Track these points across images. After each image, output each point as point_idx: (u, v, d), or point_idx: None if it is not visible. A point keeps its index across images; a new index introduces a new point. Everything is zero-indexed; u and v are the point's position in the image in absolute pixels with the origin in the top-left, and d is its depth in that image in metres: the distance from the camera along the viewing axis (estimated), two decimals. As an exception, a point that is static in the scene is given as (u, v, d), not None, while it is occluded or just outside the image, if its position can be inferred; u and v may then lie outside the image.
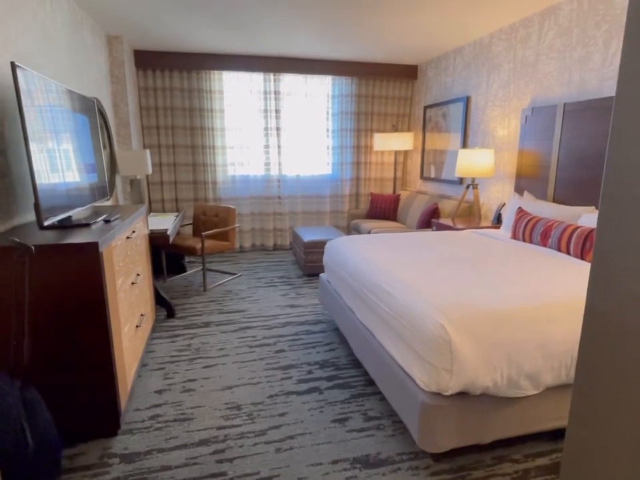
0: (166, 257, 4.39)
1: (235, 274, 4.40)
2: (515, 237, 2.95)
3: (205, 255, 3.82)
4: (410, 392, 1.69)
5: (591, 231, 2.34)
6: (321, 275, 3.21)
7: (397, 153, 5.58)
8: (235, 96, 5.04)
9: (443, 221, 3.92)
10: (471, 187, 3.87)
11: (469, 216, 4.21)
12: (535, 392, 1.62)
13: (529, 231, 2.79)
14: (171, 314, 3.26)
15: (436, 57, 4.90)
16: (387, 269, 2.22)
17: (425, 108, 5.16)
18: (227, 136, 5.08)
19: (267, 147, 5.23)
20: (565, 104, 3.08)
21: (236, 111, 5.07)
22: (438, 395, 1.59)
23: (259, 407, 2.12)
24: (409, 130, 5.63)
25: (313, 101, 5.28)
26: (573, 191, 3.06)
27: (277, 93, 5.11)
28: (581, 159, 2.97)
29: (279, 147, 5.24)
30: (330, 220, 5.67)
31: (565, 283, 1.89)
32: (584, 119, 2.93)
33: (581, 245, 2.35)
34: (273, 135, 5.19)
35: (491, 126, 4.01)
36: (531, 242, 2.79)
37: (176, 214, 3.94)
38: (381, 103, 5.45)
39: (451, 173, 4.68)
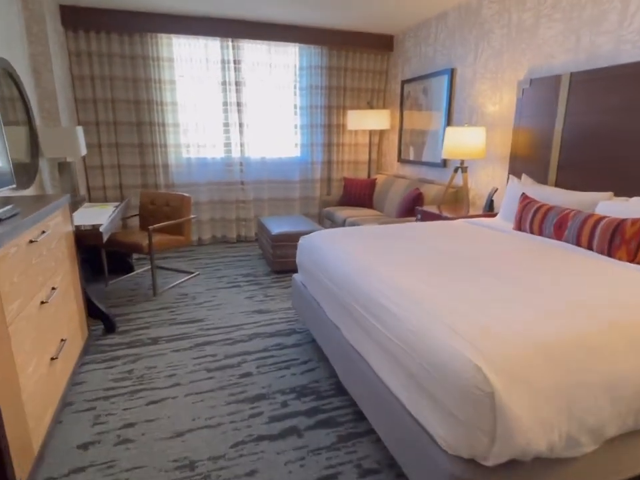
0: (108, 254, 3.72)
1: (191, 273, 3.81)
2: (519, 227, 2.54)
3: (153, 252, 3.20)
4: (426, 452, 1.23)
5: (621, 222, 1.95)
6: (295, 276, 2.70)
7: (371, 133, 5.09)
8: (188, 65, 4.34)
9: (427, 208, 3.48)
10: (459, 170, 3.45)
11: (455, 203, 3.80)
12: (594, 447, 1.19)
13: (539, 221, 2.38)
14: (110, 328, 2.66)
15: (415, 24, 4.40)
16: (381, 274, 1.74)
17: (403, 83, 4.67)
18: (179, 112, 4.39)
19: (226, 124, 4.59)
20: (571, 73, 2.67)
21: (189, 83, 4.38)
22: (471, 462, 1.13)
23: (219, 462, 1.60)
24: (384, 107, 5.14)
25: (278, 73, 4.67)
26: (580, 175, 2.68)
27: (237, 62, 4.45)
28: (592, 137, 2.59)
29: (240, 125, 4.61)
30: (300, 207, 5.13)
31: (619, 298, 1.47)
32: (595, 91, 2.53)
33: (608, 240, 1.96)
34: (234, 111, 4.55)
35: (479, 101, 3.58)
36: (540, 234, 2.39)
37: (117, 204, 3.29)
38: (354, 77, 4.91)
39: (433, 154, 4.25)
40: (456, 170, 3.44)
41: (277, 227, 3.85)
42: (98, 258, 3.62)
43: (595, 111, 2.55)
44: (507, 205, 2.90)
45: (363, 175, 5.26)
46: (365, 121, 4.61)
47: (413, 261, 1.92)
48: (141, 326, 2.75)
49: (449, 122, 3.97)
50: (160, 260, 4.19)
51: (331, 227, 4.66)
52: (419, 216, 3.52)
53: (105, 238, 2.48)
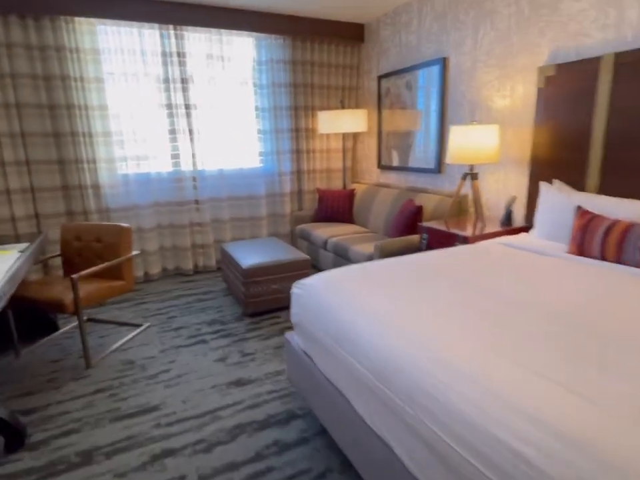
0: (20, 311, 2.75)
1: (138, 325, 2.92)
2: (580, 252, 1.96)
3: (81, 310, 2.31)
4: None
5: None
6: (290, 336, 1.95)
7: (344, 137, 4.43)
8: (119, 59, 3.45)
9: (433, 224, 2.86)
10: (468, 177, 2.87)
11: (460, 216, 3.22)
12: None
13: (616, 243, 1.81)
14: (14, 443, 1.75)
15: (391, 10, 3.80)
16: (460, 367, 1.05)
17: (380, 78, 4.06)
18: (110, 117, 3.48)
19: (173, 132, 3.73)
20: (616, 54, 2.15)
21: (122, 81, 3.49)
22: None
23: None
24: (357, 107, 4.50)
25: (233, 69, 3.88)
26: (633, 179, 2.16)
27: (181, 55, 3.62)
28: (648, 131, 2.07)
29: (190, 131, 3.77)
30: (268, 227, 4.36)
31: None
32: (653, 74, 2.02)
33: None
34: (181, 114, 3.70)
35: (483, 94, 3.02)
36: (619, 261, 1.81)
37: (25, 245, 2.36)
38: (322, 73, 4.23)
39: (424, 159, 3.65)
40: (464, 177, 2.84)
41: (247, 256, 3.06)
42: (3, 319, 2.64)
43: (654, 99, 2.03)
44: (545, 219, 2.33)
45: (337, 184, 4.58)
46: (339, 123, 3.94)
47: (486, 327, 1.24)
48: (67, 429, 1.86)
49: (442, 121, 3.39)
50: (94, 310, 3.25)
51: (309, 248, 3.93)
52: (425, 236, 2.89)
53: (2, 304, 1.60)
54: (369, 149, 4.41)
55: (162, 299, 3.40)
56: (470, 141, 2.69)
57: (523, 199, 2.84)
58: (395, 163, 4.02)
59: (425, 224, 2.91)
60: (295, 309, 1.82)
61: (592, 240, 1.89)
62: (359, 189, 4.25)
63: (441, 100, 3.36)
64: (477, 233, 2.61)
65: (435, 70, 3.39)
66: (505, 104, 2.87)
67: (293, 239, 4.32)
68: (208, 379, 2.23)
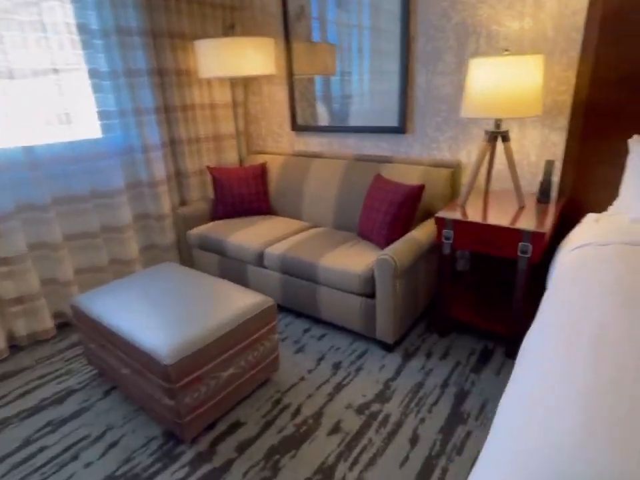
0: None
1: None
2: None
3: None
4: None
5: None
6: None
7: (232, 84, 2.95)
8: None
9: (453, 215, 1.89)
10: (498, 137, 1.93)
11: (454, 195, 2.32)
12: None
13: None
14: None
15: None
16: None
17: (285, -9, 2.68)
18: None
19: None
20: None
21: None
22: None
23: None
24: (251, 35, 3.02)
25: (17, -58, 1.92)
26: None
27: None
28: None
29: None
30: (138, 239, 2.66)
31: None
32: None
33: None
34: None
35: (482, 13, 2.07)
36: None
37: None
38: (190, -25, 2.58)
39: (372, 114, 2.56)
40: (492, 138, 1.91)
41: (154, 328, 1.52)
42: None
43: None
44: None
45: (231, 159, 3.11)
46: (232, 60, 2.46)
47: None
48: None
49: (407, 57, 2.33)
50: None
51: (221, 265, 2.51)
52: (450, 233, 1.88)
53: None
54: (271, 103, 3.04)
55: (-47, 447, 1.56)
56: (501, 83, 1.74)
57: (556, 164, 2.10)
58: (324, 121, 2.81)
59: (446, 215, 1.90)
60: None
61: None
62: (273, 163, 2.91)
63: (405, 23, 2.27)
64: (544, 224, 1.74)
65: (393, -24, 2.25)
66: (524, 27, 1.98)
67: (184, 253, 2.75)
68: None
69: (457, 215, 1.89)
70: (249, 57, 2.46)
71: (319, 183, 2.63)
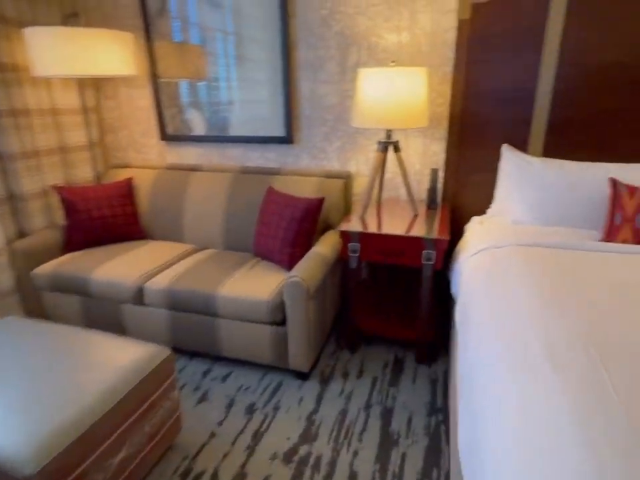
0: None
1: None
2: (615, 237, 1.50)
3: None
4: None
5: None
6: None
7: (80, 84, 2.44)
8: None
9: (354, 227, 1.84)
10: (390, 146, 1.93)
11: (349, 206, 2.29)
12: None
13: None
14: None
15: None
16: None
17: (140, -19, 2.31)
18: None
19: None
20: (572, -19, 1.72)
21: None
22: None
23: None
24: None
25: None
26: (583, 141, 1.89)
27: None
28: (603, 84, 1.80)
29: None
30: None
31: None
32: (612, 10, 1.71)
33: None
34: None
35: (362, 24, 2.07)
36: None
37: None
38: (9, -55, 2.02)
39: (256, 123, 2.38)
40: (384, 147, 1.91)
41: (9, 417, 1.08)
42: None
43: (614, 44, 1.74)
44: (529, 198, 1.77)
45: (84, 175, 2.56)
46: (80, 55, 2.01)
47: None
48: None
49: (289, 64, 2.21)
50: None
51: (83, 307, 2.03)
52: (356, 246, 1.81)
53: None
54: (131, 109, 2.61)
55: None
56: (390, 93, 1.75)
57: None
58: (200, 130, 2.52)
59: (351, 228, 1.83)
60: None
61: (660, 222, 1.47)
62: (140, 178, 2.49)
63: (284, 29, 2.15)
64: (445, 231, 1.80)
65: (268, -23, 2.11)
66: (401, 41, 2.05)
67: (29, 299, 2.14)
68: None
69: (361, 227, 1.84)
70: (101, 53, 2.04)
71: (201, 199, 2.33)
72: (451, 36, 1.97)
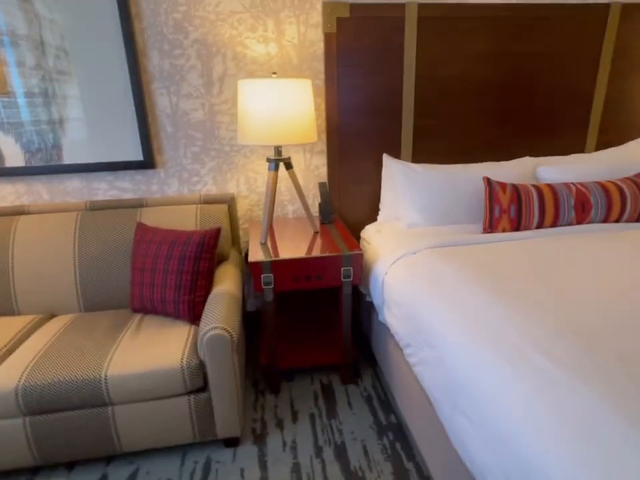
0: None
1: None
2: (515, 227, 1.74)
3: None
4: None
5: (642, 182, 1.78)
6: None
7: None
8: None
9: (260, 256, 1.66)
10: (279, 165, 1.76)
11: (235, 230, 2.04)
12: None
13: (552, 209, 1.73)
14: None
15: None
16: None
17: None
18: None
19: None
20: (419, 5, 1.90)
21: None
22: None
23: None
24: None
25: None
26: (444, 145, 2.13)
27: None
28: (457, 89, 2.06)
29: None
30: None
31: None
32: (452, 31, 1.97)
33: (644, 205, 1.76)
34: None
35: (224, 33, 1.87)
36: (555, 224, 1.76)
37: None
38: None
39: (102, 146, 1.91)
40: (275, 166, 1.75)
41: None
42: None
43: (460, 58, 2.01)
44: (415, 202, 1.88)
45: None
46: None
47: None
48: None
49: (139, 76, 1.84)
50: None
51: None
52: (269, 277, 1.61)
53: None
54: None
55: None
56: (277, 107, 1.63)
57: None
58: (16, 160, 1.87)
59: (260, 258, 1.62)
60: None
61: (530, 211, 1.73)
62: None
63: (127, 31, 1.78)
64: (355, 245, 1.75)
65: (97, -33, 1.70)
66: (270, 52, 1.92)
67: None
68: None
69: (272, 255, 1.64)
70: None
71: (36, 251, 1.73)
72: (318, 50, 1.95)
